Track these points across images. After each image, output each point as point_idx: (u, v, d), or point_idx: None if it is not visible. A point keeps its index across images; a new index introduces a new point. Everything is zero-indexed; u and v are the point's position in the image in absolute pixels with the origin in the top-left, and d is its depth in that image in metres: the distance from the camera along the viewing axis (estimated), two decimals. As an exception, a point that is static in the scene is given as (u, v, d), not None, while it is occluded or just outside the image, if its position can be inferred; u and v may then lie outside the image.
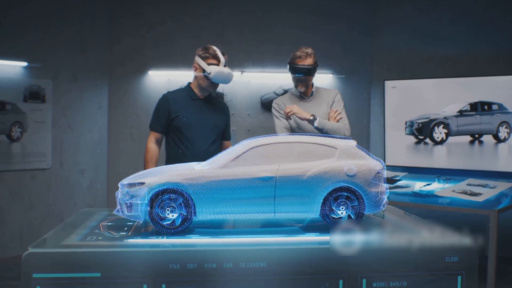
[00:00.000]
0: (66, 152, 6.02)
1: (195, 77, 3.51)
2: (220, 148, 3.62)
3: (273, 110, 3.84)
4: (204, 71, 3.39)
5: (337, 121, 3.68)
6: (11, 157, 5.52)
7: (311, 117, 3.55)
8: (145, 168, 3.43)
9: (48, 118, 5.81)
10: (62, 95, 5.94)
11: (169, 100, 3.50)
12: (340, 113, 3.73)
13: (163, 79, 6.31)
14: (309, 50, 3.72)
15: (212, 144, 3.50)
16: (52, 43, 5.80)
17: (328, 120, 3.71)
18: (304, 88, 3.77)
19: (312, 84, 3.84)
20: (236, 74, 6.32)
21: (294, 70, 3.71)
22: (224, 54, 3.45)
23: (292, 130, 3.74)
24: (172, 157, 3.49)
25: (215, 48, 3.43)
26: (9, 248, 5.51)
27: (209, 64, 3.38)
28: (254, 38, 6.43)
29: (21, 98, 5.57)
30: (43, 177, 5.82)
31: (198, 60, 3.43)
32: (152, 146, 3.51)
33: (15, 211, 5.60)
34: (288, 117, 3.63)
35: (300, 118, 3.60)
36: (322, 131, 3.56)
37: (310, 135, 2.48)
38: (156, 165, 3.48)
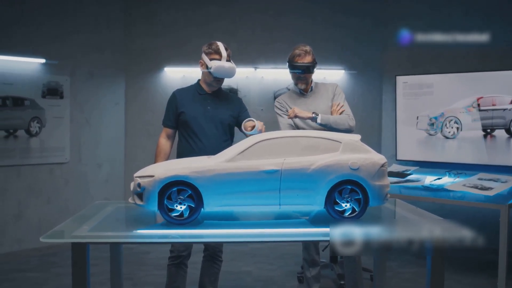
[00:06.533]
0: (84, 146, 6.12)
1: (203, 73, 3.58)
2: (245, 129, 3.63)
3: (275, 109, 3.89)
4: (207, 66, 3.45)
5: (340, 113, 3.70)
6: (29, 151, 5.63)
7: (313, 115, 3.59)
8: (154, 162, 3.50)
9: (66, 114, 5.91)
10: (79, 91, 6.04)
11: (176, 96, 3.59)
12: (342, 105, 3.75)
13: (179, 76, 6.38)
14: (308, 48, 3.75)
15: (219, 137, 3.52)
16: (69, 40, 5.89)
17: (332, 113, 3.73)
18: (304, 85, 3.82)
19: (312, 80, 3.88)
20: (250, 71, 6.40)
21: (294, 68, 3.74)
22: (228, 49, 3.49)
23: (298, 128, 3.76)
24: (181, 151, 3.57)
25: (218, 43, 3.47)
26: (27, 241, 5.62)
27: (211, 60, 3.43)
28: (266, 36, 6.48)
29: (40, 94, 5.68)
30: (61, 172, 5.92)
31: (203, 56, 3.50)
32: (161, 141, 3.61)
33: (33, 205, 5.71)
34: (292, 118, 3.67)
35: (303, 118, 3.64)
36: (326, 127, 3.58)
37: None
38: (166, 159, 3.56)
